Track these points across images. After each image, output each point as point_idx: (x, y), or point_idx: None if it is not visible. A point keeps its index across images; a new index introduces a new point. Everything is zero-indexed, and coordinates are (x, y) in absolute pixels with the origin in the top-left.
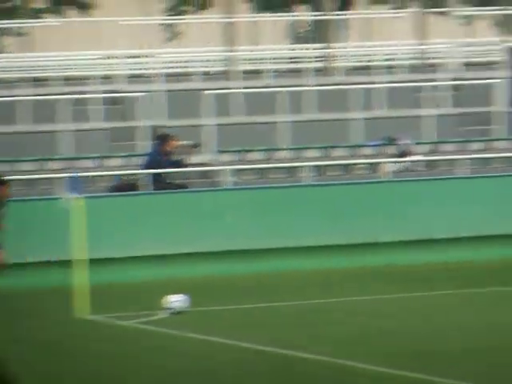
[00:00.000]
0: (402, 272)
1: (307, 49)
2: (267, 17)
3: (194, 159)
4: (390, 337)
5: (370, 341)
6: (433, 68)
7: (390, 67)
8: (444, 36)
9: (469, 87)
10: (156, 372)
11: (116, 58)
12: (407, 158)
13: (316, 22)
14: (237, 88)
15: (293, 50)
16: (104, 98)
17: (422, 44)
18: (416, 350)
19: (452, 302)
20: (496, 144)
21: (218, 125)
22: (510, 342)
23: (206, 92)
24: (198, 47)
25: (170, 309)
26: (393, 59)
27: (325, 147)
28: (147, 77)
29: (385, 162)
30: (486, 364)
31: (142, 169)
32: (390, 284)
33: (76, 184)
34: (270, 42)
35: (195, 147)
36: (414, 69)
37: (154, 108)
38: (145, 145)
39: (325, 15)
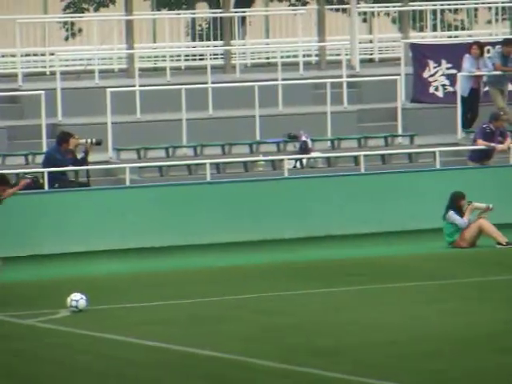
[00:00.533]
0: (304, 269)
1: (207, 46)
2: (166, 14)
3: (96, 157)
4: (290, 333)
5: (272, 338)
6: (333, 65)
7: (289, 64)
8: (344, 33)
9: (368, 83)
10: (56, 368)
11: (14, 56)
12: (308, 155)
13: (215, 19)
14: (137, 85)
15: (193, 47)
16: (1, 97)
17: (321, 41)
18: (316, 346)
19: (351, 298)
20: (397, 140)
21: (120, 122)
22: (407, 335)
23: (108, 89)
24: (99, 45)
25: (72, 307)
26: (292, 56)
27: (225, 144)
28: (47, 74)
29: (285, 159)
30: (384, 357)
31: (42, 167)
32: (292, 281)
33: None
34: (169, 40)
35: (98, 144)
36: (313, 65)
37: (55, 106)
38: (47, 143)
39: (224, 12)
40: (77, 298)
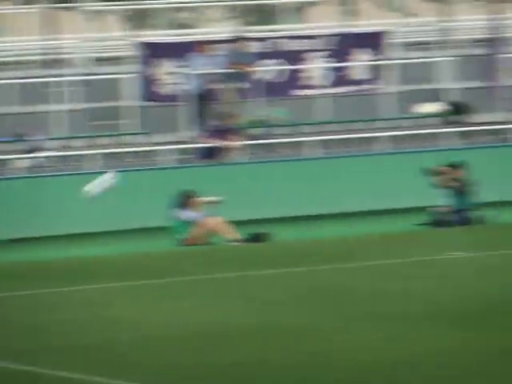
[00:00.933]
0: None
1: None
2: None
3: None
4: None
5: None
6: (62, 63)
7: (18, 63)
8: (73, 31)
9: (99, 82)
10: None
11: None
12: (37, 154)
13: None
14: None
15: None
16: None
17: (50, 39)
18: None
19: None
20: (126, 139)
21: None
22: (130, 334)
23: None
24: None
25: None
26: (21, 55)
27: None
28: None
29: (13, 159)
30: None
31: None
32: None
33: None
34: None
35: None
36: (42, 64)
37: None
38: None
39: None
40: None
